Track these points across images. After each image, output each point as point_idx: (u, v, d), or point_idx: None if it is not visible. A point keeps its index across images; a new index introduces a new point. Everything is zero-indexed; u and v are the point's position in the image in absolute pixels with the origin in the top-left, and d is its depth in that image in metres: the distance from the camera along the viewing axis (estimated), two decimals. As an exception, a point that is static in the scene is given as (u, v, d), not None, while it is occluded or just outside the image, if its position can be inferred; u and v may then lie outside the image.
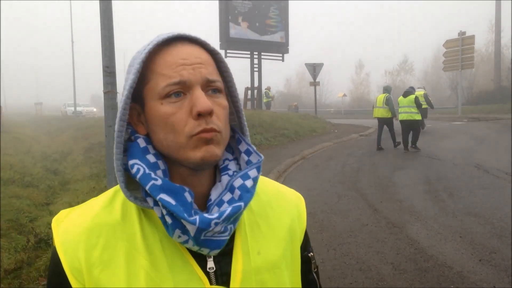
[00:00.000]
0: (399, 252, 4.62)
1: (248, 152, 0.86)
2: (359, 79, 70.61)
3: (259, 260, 0.83)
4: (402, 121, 12.44)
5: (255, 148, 0.86)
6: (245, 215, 0.86)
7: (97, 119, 25.69)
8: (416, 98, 12.33)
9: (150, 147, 0.80)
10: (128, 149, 0.80)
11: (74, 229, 0.79)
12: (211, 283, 0.78)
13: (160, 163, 0.79)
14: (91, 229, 0.79)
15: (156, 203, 0.75)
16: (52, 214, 6.84)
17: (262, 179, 0.97)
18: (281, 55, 23.69)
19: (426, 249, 4.67)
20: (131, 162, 0.77)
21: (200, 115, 0.74)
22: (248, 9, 21.85)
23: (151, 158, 0.78)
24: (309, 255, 0.97)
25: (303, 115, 23.52)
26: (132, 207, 0.81)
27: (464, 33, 27.70)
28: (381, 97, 13.17)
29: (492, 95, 32.17)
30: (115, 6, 5.70)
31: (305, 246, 0.96)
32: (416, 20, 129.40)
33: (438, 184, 7.82)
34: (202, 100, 0.74)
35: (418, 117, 12.33)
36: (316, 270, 0.98)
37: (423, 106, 14.74)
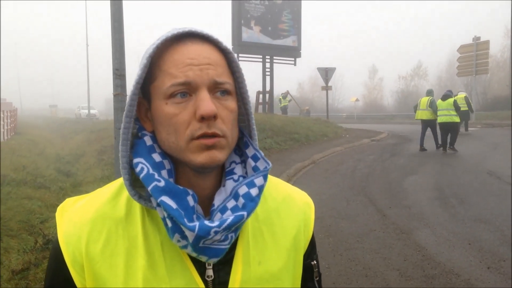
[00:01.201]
0: (406, 259, 4.58)
1: (255, 158, 0.83)
2: (373, 84, 70.31)
3: (259, 271, 0.81)
4: (441, 124, 12.96)
5: (263, 154, 0.83)
6: (250, 222, 0.84)
7: (111, 122, 25.90)
8: (455, 101, 12.81)
9: (156, 146, 0.78)
10: (134, 146, 0.79)
11: (77, 220, 0.79)
12: None
13: (166, 162, 0.77)
14: (94, 223, 0.78)
15: (159, 204, 0.74)
16: (62, 215, 6.90)
17: (273, 181, 0.95)
18: (293, 59, 23.67)
19: (433, 256, 4.62)
20: (135, 160, 0.76)
21: (203, 119, 0.72)
22: (261, 13, 21.88)
23: (156, 157, 0.77)
24: (312, 263, 0.94)
25: (315, 119, 23.45)
26: (136, 204, 0.80)
27: (478, 38, 27.44)
28: (425, 99, 13.75)
29: (507, 101, 31.75)
30: (126, 7, 5.76)
31: (309, 254, 0.94)
32: (431, 25, 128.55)
33: (449, 191, 7.73)
34: (206, 103, 0.71)
35: (457, 119, 12.81)
36: (318, 278, 0.96)
37: (462, 109, 15.00)
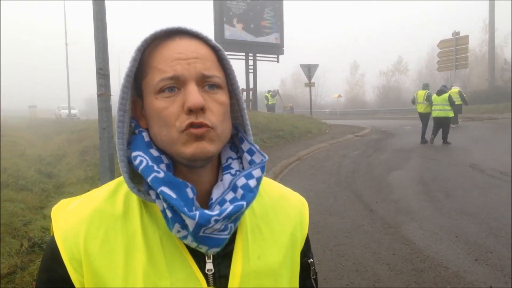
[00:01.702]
0: (395, 253, 4.61)
1: (251, 152, 0.84)
2: (354, 80, 70.76)
3: (258, 265, 0.81)
4: (435, 118, 13.35)
5: (258, 148, 0.85)
6: (248, 218, 0.85)
7: (91, 122, 25.59)
8: (450, 96, 13.17)
9: (152, 143, 0.79)
10: (132, 142, 0.80)
11: (74, 218, 0.78)
12: (208, 285, 0.77)
13: (164, 157, 0.78)
14: (92, 220, 0.77)
15: (158, 196, 0.74)
16: (46, 218, 6.80)
17: (268, 182, 0.96)
18: (276, 56, 23.68)
19: (422, 250, 4.67)
20: (134, 153, 0.77)
21: (191, 111, 0.73)
22: (243, 11, 21.83)
23: (154, 152, 0.78)
24: (309, 261, 0.95)
25: (299, 116, 23.53)
26: (134, 201, 0.80)
27: (458, 33, 27.81)
28: (422, 93, 14.13)
29: (486, 95, 32.26)
30: (109, 7, 5.67)
31: (305, 252, 0.95)
32: (410, 21, 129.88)
33: (434, 184, 7.82)
34: (193, 95, 0.73)
35: (451, 114, 13.26)
36: (314, 276, 0.97)
37: (457, 103, 15.53)
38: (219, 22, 21.29)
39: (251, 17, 22.23)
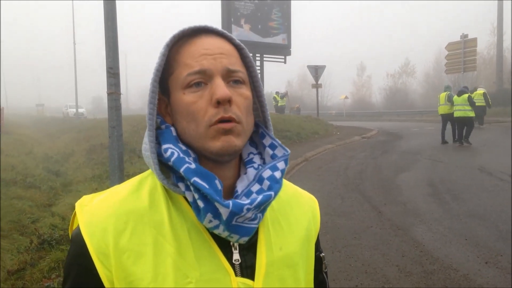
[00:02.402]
0: (404, 255, 4.59)
1: (272, 146, 0.86)
2: (361, 82, 70.60)
3: (281, 255, 0.84)
4: (456, 118, 13.75)
5: (280, 142, 0.87)
6: (268, 211, 0.86)
7: (99, 121, 25.68)
8: (469, 97, 13.48)
9: (178, 138, 0.81)
10: (160, 136, 0.81)
11: (100, 213, 0.79)
12: (236, 275, 0.79)
13: (191, 151, 0.80)
14: (119, 214, 0.78)
15: (188, 188, 0.76)
16: (54, 215, 6.82)
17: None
18: (283, 57, 23.70)
19: (431, 252, 4.64)
20: (164, 146, 0.78)
21: (219, 103, 0.75)
22: (251, 11, 21.86)
23: (182, 146, 0.79)
24: (321, 255, 0.98)
25: (305, 117, 23.51)
26: (159, 195, 0.80)
27: (466, 35, 27.65)
28: (443, 95, 14.56)
29: (494, 98, 32.04)
30: (118, 7, 5.69)
31: (317, 246, 0.97)
32: (418, 23, 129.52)
33: (442, 187, 7.79)
34: (221, 88, 0.75)
35: (471, 114, 13.52)
36: (326, 270, 1.00)
37: (478, 104, 15.85)
38: (227, 23, 21.33)
39: (259, 17, 22.25)
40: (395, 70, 62.93)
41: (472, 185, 7.77)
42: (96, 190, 8.80)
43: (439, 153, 12.22)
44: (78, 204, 0.82)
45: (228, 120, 0.75)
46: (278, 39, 23.10)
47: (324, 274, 0.99)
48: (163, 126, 0.82)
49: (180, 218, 0.79)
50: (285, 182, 0.98)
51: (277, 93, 28.87)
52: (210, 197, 0.72)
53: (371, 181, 8.59)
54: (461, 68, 27.78)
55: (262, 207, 0.76)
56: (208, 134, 0.76)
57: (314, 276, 0.94)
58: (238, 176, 0.84)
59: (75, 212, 0.82)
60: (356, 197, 7.23)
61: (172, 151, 0.77)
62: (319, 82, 25.33)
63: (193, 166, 0.75)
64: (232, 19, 21.25)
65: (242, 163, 0.86)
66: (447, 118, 14.35)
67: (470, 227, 5.43)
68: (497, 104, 29.82)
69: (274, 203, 0.88)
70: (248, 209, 0.74)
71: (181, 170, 0.74)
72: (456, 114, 13.69)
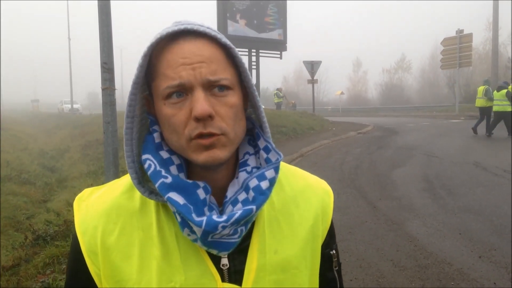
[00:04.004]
0: (399, 249, 4.61)
1: (267, 149, 0.82)
2: (357, 77, 70.71)
3: (275, 260, 0.80)
4: (495, 112, 14.50)
5: (274, 146, 0.83)
6: (266, 211, 0.83)
7: (94, 117, 25.59)
8: (507, 92, 14.07)
9: (164, 143, 0.79)
10: (144, 142, 0.79)
11: (94, 211, 0.80)
12: (223, 280, 0.77)
13: (175, 158, 0.77)
14: (110, 213, 0.79)
15: None
16: (49, 211, 6.81)
17: (293, 171, 0.95)
18: (279, 52, 23.62)
19: (426, 246, 4.66)
20: (144, 156, 0.76)
21: (198, 120, 0.71)
22: (246, 7, 21.77)
23: (164, 154, 0.77)
24: (331, 252, 0.93)
25: (301, 112, 23.51)
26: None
27: (462, 31, 27.71)
28: (481, 88, 15.05)
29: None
30: (112, 2, 5.66)
31: (328, 244, 0.92)
32: (414, 18, 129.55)
33: (437, 182, 7.81)
34: (199, 104, 0.70)
35: (508, 108, 14.08)
36: (337, 268, 0.94)
37: None
38: (222, 18, 21.25)
39: (255, 13, 22.17)
40: (391, 66, 63.17)
41: (467, 180, 7.80)
42: (91, 185, 8.77)
43: (433, 147, 12.24)
44: (77, 199, 0.84)
45: (208, 135, 0.72)
46: (274, 35, 23.03)
47: (335, 272, 0.94)
48: (150, 129, 0.80)
49: (168, 222, 0.78)
50: (297, 173, 0.95)
51: (278, 89, 29.01)
52: (183, 215, 0.71)
53: (367, 177, 8.61)
54: (456, 63, 27.86)
55: (242, 222, 0.73)
56: (190, 147, 0.73)
57: (322, 275, 0.90)
58: (234, 175, 0.82)
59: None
60: (352, 192, 7.25)
61: (149, 163, 0.75)
62: (315, 78, 25.34)
63: (168, 180, 0.73)
64: (227, 14, 21.17)
65: (238, 163, 0.83)
66: (484, 111, 14.84)
67: (465, 221, 5.46)
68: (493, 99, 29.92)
69: (276, 201, 0.85)
70: (224, 227, 0.71)
71: (156, 185, 0.73)
72: (495, 108, 14.39)
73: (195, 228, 0.71)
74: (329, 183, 0.89)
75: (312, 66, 24.72)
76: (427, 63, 60.76)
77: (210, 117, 0.71)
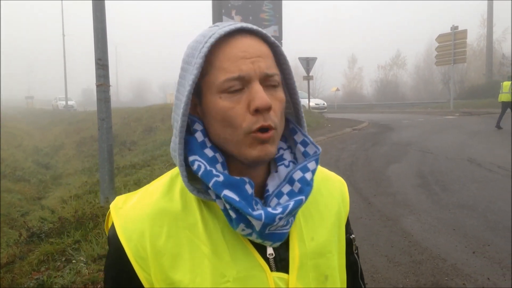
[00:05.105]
0: (393, 245, 4.63)
1: (304, 143, 0.85)
2: (352, 74, 70.61)
3: (313, 246, 0.85)
4: (503, 102, 15.39)
5: (312, 139, 0.86)
6: None
7: (89, 113, 25.50)
8: None
9: (207, 140, 0.80)
10: (187, 143, 0.79)
11: (135, 217, 0.80)
12: (271, 270, 0.80)
13: (218, 156, 0.79)
14: (154, 217, 0.79)
15: (217, 196, 0.76)
16: (44, 208, 6.79)
17: None
18: (274, 49, 23.59)
19: (420, 242, 4.69)
20: (191, 158, 0.77)
21: (257, 111, 0.73)
22: (242, 3, 21.74)
23: (209, 152, 0.78)
24: (351, 236, 0.99)
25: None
26: (191, 196, 0.81)
27: (456, 27, 27.77)
28: (507, 83, 15.55)
29: (483, 90, 32.33)
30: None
31: (347, 228, 0.98)
32: (409, 14, 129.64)
33: (431, 178, 7.84)
34: (260, 95, 0.73)
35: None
36: (357, 251, 1.01)
37: None
38: (218, 14, 21.18)
39: (250, 9, 22.13)
40: (386, 62, 63.03)
41: (461, 176, 7.83)
42: (86, 182, 8.77)
43: (428, 144, 12.28)
44: (112, 206, 0.84)
45: (267, 128, 0.74)
46: (270, 31, 22.95)
47: (356, 255, 1.00)
48: (191, 130, 0.81)
49: (213, 219, 0.80)
50: None
51: None
52: (242, 210, 0.72)
53: (362, 173, 8.63)
54: (451, 60, 27.93)
55: (293, 212, 0.76)
56: (246, 142, 0.75)
57: (346, 258, 0.95)
58: (268, 172, 0.85)
59: (109, 213, 0.84)
60: (347, 189, 7.25)
61: (199, 164, 0.76)
62: (310, 74, 25.30)
63: (221, 178, 0.74)
64: (223, 10, 21.12)
65: (272, 159, 0.85)
66: (507, 105, 15.35)
67: (459, 217, 5.48)
68: (487, 96, 30.07)
69: None
70: (281, 218, 0.74)
71: (210, 185, 0.74)
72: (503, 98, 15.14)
73: (254, 222, 0.73)
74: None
75: (308, 63, 24.69)
76: (422, 59, 60.85)
77: (268, 109, 0.74)
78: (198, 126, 0.80)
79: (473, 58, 49.35)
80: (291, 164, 0.83)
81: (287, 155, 0.85)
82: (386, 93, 53.40)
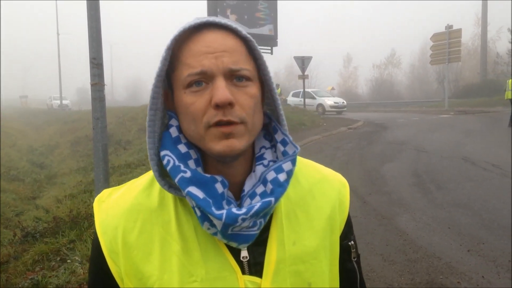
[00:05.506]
0: (388, 244, 4.64)
1: (284, 142, 0.83)
2: (347, 73, 70.79)
3: (294, 251, 0.81)
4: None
5: (291, 139, 0.84)
6: (283, 204, 0.84)
7: (83, 113, 25.41)
8: None
9: (182, 136, 0.79)
10: (162, 138, 0.80)
11: (113, 212, 0.81)
12: (243, 273, 0.78)
13: (192, 152, 0.78)
14: (130, 212, 0.80)
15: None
16: (38, 208, 6.76)
17: (308, 164, 0.96)
18: (269, 48, 23.59)
19: (415, 240, 4.70)
20: (162, 153, 0.77)
21: (218, 106, 0.72)
22: (237, 2, 21.73)
23: (182, 148, 0.78)
24: (349, 243, 0.94)
25: (292, 108, 23.52)
26: (169, 193, 0.81)
27: (451, 26, 27.86)
28: (510, 81, 15.98)
29: (478, 88, 32.47)
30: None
31: (346, 234, 0.93)
32: (404, 14, 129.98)
33: (426, 177, 7.87)
34: (220, 91, 0.72)
35: None
36: (356, 258, 0.96)
37: None
38: (213, 13, 21.15)
39: (245, 8, 22.13)
40: (381, 61, 63.18)
41: (456, 175, 7.86)
42: (80, 182, 8.74)
43: (423, 143, 12.32)
44: (96, 200, 0.85)
45: (228, 123, 0.73)
46: (265, 30, 23.01)
47: (354, 263, 0.95)
48: (169, 124, 0.81)
49: (187, 217, 0.79)
50: (312, 166, 0.96)
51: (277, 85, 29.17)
52: (203, 209, 0.72)
53: (357, 172, 8.65)
54: (445, 59, 28.01)
55: (261, 214, 0.74)
56: (208, 136, 0.74)
57: (341, 266, 0.91)
58: (250, 170, 0.83)
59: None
60: (342, 188, 7.26)
61: (168, 159, 0.76)
62: (306, 73, 25.32)
63: (188, 174, 0.73)
64: (218, 9, 21.08)
65: (254, 158, 0.84)
66: None
67: (453, 216, 5.50)
68: (481, 95, 30.22)
69: (292, 194, 0.86)
70: (244, 219, 0.72)
71: (176, 180, 0.74)
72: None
73: (215, 221, 0.72)
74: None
75: (303, 62, 24.71)
76: (417, 58, 61.06)
77: (230, 104, 0.72)
78: (174, 122, 0.80)
79: (468, 57, 49.55)
80: (270, 163, 0.81)
81: (269, 155, 0.83)
82: (381, 92, 53.56)
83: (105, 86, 5.70)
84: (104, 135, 5.49)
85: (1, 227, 6.05)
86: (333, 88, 48.79)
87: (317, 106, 27.77)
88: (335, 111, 27.36)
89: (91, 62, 5.52)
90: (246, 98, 0.75)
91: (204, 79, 0.74)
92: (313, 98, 28.29)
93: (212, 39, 0.75)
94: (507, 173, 7.71)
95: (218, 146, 0.73)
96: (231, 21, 0.78)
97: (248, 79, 0.76)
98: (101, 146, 5.45)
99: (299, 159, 0.93)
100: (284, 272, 0.79)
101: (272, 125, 0.86)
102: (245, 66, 0.76)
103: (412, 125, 17.58)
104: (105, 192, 0.86)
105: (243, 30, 0.78)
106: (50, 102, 48.20)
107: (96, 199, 0.85)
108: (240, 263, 0.78)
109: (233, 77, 0.75)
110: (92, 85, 5.54)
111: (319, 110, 27.13)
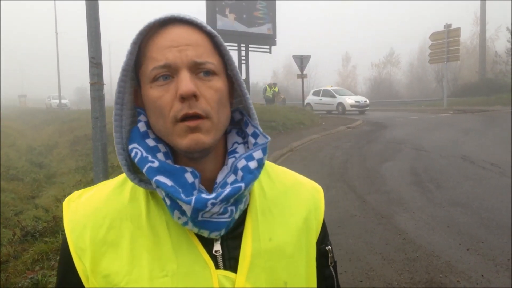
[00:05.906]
0: (387, 243, 4.65)
1: (255, 135, 0.83)
2: (346, 72, 70.78)
3: (270, 247, 0.81)
4: None
5: (261, 130, 0.84)
6: (258, 201, 0.84)
7: (82, 112, 25.40)
8: None
9: (150, 132, 0.79)
10: (130, 133, 0.80)
11: (82, 210, 0.81)
12: (217, 267, 0.77)
13: (161, 146, 0.78)
14: (99, 210, 0.79)
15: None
16: (38, 207, 6.76)
17: (283, 170, 0.96)
18: (268, 47, 23.59)
19: (414, 239, 4.71)
20: (130, 146, 0.77)
21: (183, 98, 0.72)
22: (235, 2, 21.70)
23: (150, 142, 0.78)
24: (327, 248, 0.94)
25: (291, 107, 23.52)
26: (141, 189, 0.81)
27: (450, 25, 27.86)
28: None
29: (477, 87, 32.46)
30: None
31: (323, 239, 0.93)
32: (402, 12, 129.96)
33: (425, 176, 7.88)
34: (184, 82, 0.72)
35: None
36: (333, 264, 0.95)
37: None
38: (212, 12, 21.15)
39: (244, 7, 22.10)
40: (379, 60, 63.15)
41: (455, 174, 7.87)
42: (80, 181, 8.73)
43: (422, 142, 12.33)
44: (66, 200, 0.84)
45: (194, 116, 0.73)
46: (264, 29, 22.99)
47: (332, 268, 0.94)
48: (137, 119, 0.81)
49: (159, 211, 0.78)
50: (288, 172, 0.97)
51: (269, 85, 29.21)
52: (171, 194, 0.71)
53: (356, 171, 8.65)
54: (444, 58, 28.01)
55: (231, 199, 0.74)
56: (175, 131, 0.74)
57: (319, 271, 0.90)
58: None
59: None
60: (341, 187, 7.28)
61: (136, 151, 0.76)
62: (304, 72, 25.32)
63: (155, 164, 0.73)
64: (216, 9, 21.07)
65: (227, 153, 0.84)
66: None
67: (452, 215, 5.51)
68: (480, 93, 30.21)
69: (268, 192, 0.86)
70: (213, 204, 0.71)
71: (144, 170, 0.73)
72: None
73: (184, 207, 0.71)
74: (319, 178, 0.91)
75: (302, 61, 24.70)
76: (416, 57, 61.04)
77: (195, 96, 0.72)
78: (142, 118, 0.80)
79: (467, 56, 49.57)
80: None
81: (241, 149, 0.83)
82: (380, 91, 53.55)
83: (104, 85, 5.69)
84: (103, 135, 5.49)
85: (0, 227, 6.04)
86: (332, 87, 48.79)
87: (337, 105, 26.56)
88: (356, 110, 25.98)
89: (90, 61, 5.51)
90: (211, 92, 0.76)
91: (169, 72, 0.74)
92: (333, 96, 27.13)
93: (177, 33, 0.76)
94: (506, 172, 7.73)
95: (185, 140, 0.73)
96: (196, 17, 0.79)
97: (213, 73, 0.77)
98: (100, 145, 5.45)
99: (275, 165, 0.95)
100: (260, 268, 0.78)
101: (244, 120, 0.86)
102: (210, 59, 0.76)
103: (411, 124, 17.57)
104: (76, 193, 0.86)
105: (208, 26, 0.79)
106: (49, 101, 48.09)
107: (66, 199, 0.84)
108: (213, 257, 0.77)
109: (198, 71, 0.75)
110: (91, 84, 5.54)
111: (339, 110, 26.17)
